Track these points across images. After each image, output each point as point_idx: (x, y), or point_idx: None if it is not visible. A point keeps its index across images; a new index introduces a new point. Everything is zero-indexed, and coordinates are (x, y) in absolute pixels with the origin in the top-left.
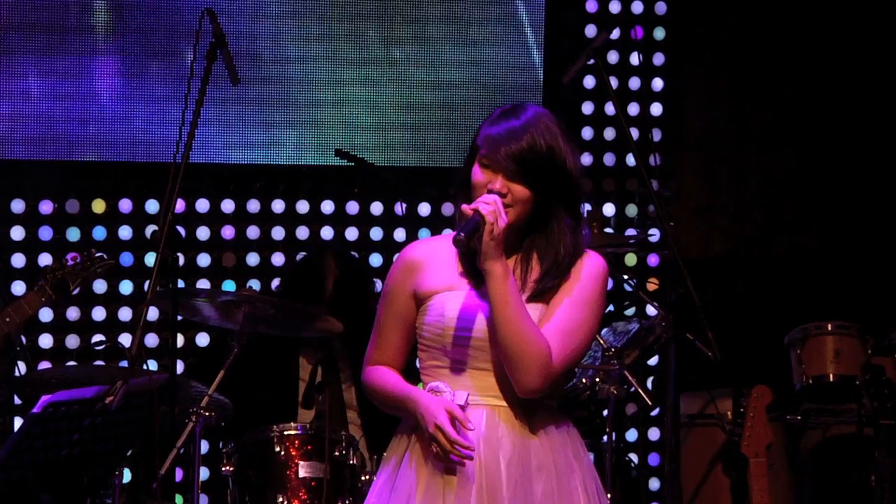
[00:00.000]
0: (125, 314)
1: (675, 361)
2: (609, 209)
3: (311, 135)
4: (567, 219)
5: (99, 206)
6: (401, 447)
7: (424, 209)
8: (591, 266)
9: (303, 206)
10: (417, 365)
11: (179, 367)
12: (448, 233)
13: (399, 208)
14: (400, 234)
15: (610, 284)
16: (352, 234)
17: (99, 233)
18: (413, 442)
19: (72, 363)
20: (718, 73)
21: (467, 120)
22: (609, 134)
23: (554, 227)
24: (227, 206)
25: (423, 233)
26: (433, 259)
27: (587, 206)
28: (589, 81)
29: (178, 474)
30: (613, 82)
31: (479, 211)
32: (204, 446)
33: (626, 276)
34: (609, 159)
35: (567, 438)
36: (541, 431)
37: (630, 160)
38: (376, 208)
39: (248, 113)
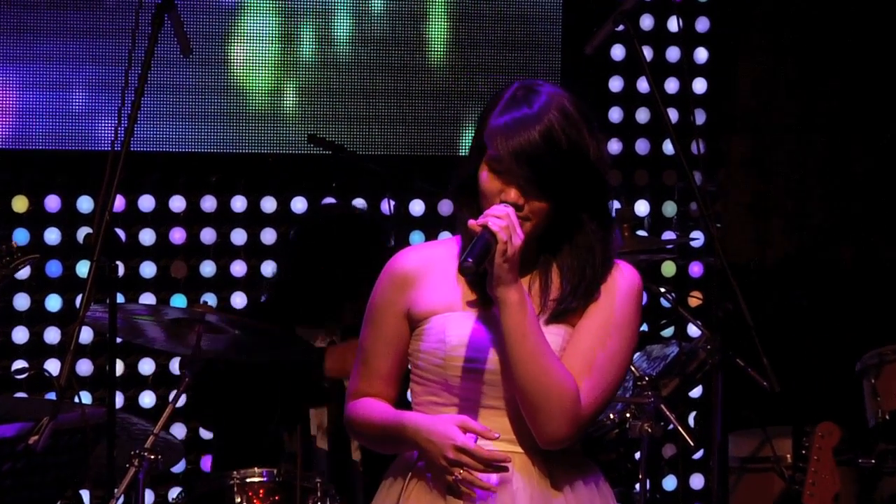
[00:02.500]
0: (52, 335)
1: (723, 393)
2: (642, 207)
3: (279, 121)
4: (594, 226)
5: (20, 203)
6: (390, 497)
7: (417, 207)
8: (623, 282)
9: (269, 204)
10: (409, 398)
11: (119, 399)
12: (446, 236)
13: (386, 206)
14: None
15: (644, 300)
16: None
17: (20, 236)
18: (410, 486)
19: None
20: (776, 42)
21: (468, 105)
22: (642, 116)
23: (578, 238)
24: (177, 203)
25: (416, 237)
26: (430, 271)
27: (615, 205)
28: (617, 52)
29: None
30: (647, 53)
31: (489, 227)
32: (149, 496)
33: (662, 290)
34: (642, 147)
35: (596, 495)
36: (565, 487)
37: (668, 148)
38: (358, 204)
39: (202, 94)
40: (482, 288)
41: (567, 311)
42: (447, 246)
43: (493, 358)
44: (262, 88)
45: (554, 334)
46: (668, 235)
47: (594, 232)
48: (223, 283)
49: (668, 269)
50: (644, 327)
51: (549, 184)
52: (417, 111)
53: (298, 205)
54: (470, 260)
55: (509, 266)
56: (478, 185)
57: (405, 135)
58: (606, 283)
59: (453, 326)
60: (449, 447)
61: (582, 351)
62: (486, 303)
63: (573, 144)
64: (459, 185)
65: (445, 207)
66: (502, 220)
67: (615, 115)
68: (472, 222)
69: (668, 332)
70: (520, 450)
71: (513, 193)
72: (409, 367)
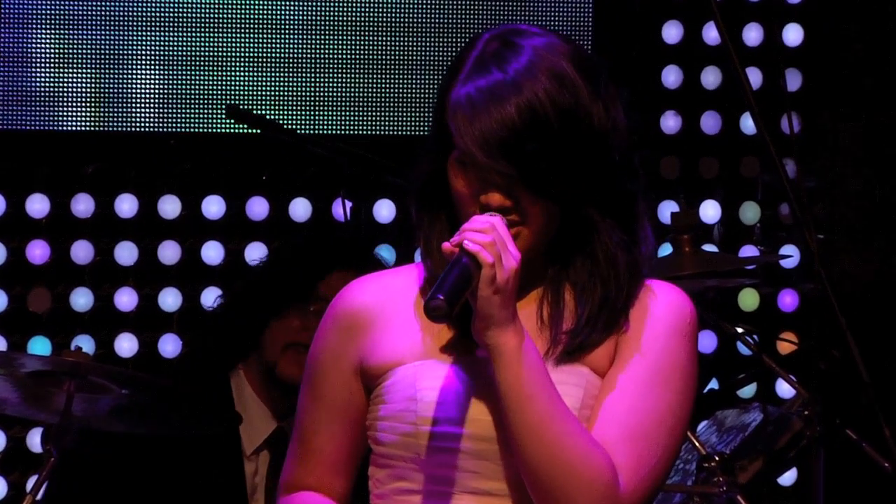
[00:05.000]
0: None
1: (826, 478)
2: (710, 211)
3: (186, 91)
4: (610, 227)
5: None
6: None
7: (384, 211)
8: (667, 308)
9: (169, 205)
10: (370, 489)
11: None
12: (417, 262)
13: (340, 208)
14: None
15: (711, 344)
16: (256, 252)
17: None
18: None
19: None
20: None
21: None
22: (710, 79)
23: (596, 245)
24: (37, 206)
25: (383, 252)
26: (389, 308)
27: (671, 206)
28: None
29: None
30: None
31: (466, 250)
32: None
33: (740, 330)
34: (710, 123)
35: None
36: None
37: (747, 125)
38: (300, 209)
39: (62, 63)
40: (464, 326)
41: (586, 345)
42: (409, 274)
43: (486, 420)
44: (162, 49)
45: (572, 382)
46: (748, 251)
47: (611, 234)
48: (104, 319)
49: (749, 299)
50: (713, 384)
51: (540, 179)
52: (385, 80)
53: (212, 207)
54: (440, 297)
55: (501, 299)
56: (447, 187)
57: (367, 110)
58: (640, 308)
59: (426, 378)
60: None
61: (616, 412)
62: (469, 345)
63: (568, 117)
64: (420, 189)
65: None
66: (486, 235)
67: (671, 76)
68: (445, 244)
69: (747, 391)
70: None
71: (496, 196)
72: (369, 443)
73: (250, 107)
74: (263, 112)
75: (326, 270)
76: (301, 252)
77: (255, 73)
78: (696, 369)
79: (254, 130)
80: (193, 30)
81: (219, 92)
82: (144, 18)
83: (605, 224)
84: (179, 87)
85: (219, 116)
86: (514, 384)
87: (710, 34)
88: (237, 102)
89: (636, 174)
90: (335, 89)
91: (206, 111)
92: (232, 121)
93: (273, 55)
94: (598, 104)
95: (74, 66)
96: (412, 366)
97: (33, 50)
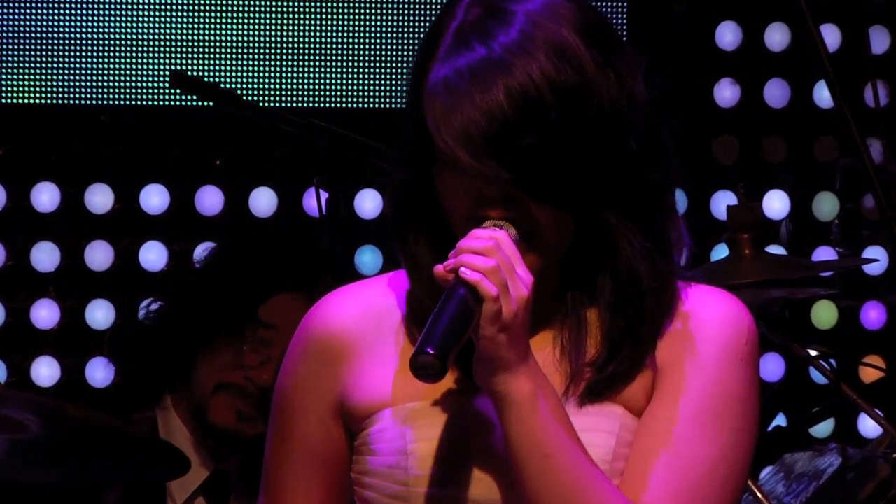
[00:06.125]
0: None
1: None
2: (777, 203)
3: (122, 57)
4: (634, 232)
5: None
6: None
7: (368, 204)
8: (719, 325)
9: (99, 197)
10: None
11: None
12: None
13: (314, 200)
14: None
15: (777, 371)
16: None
17: None
18: None
19: None
20: None
21: None
22: (776, 39)
23: (619, 256)
24: None
25: (366, 257)
26: (375, 330)
27: (727, 198)
28: None
29: None
30: None
31: (463, 279)
32: None
33: (813, 353)
34: (776, 94)
35: None
36: None
37: (821, 96)
38: (263, 202)
39: None
40: (466, 360)
41: (617, 378)
42: (399, 286)
43: (491, 480)
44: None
45: (600, 428)
46: (824, 254)
47: (631, 241)
48: (18, 339)
49: (824, 314)
50: (779, 421)
51: (540, 181)
52: (372, 36)
53: (153, 199)
54: (429, 351)
55: (509, 338)
56: (433, 194)
57: (348, 77)
58: (683, 325)
59: (420, 426)
60: None
61: (656, 464)
62: (469, 385)
63: (571, 101)
64: (403, 194)
65: None
66: (488, 258)
67: (727, 36)
68: (437, 269)
69: (822, 428)
70: None
71: (495, 208)
72: (355, 500)
73: (200, 74)
74: (217, 80)
75: (268, 292)
76: (237, 264)
77: (208, 31)
78: (758, 403)
79: (205, 103)
80: None
81: (162, 56)
82: None
83: (625, 228)
84: (112, 48)
85: (162, 86)
86: (527, 440)
87: None
88: (184, 68)
89: (661, 160)
90: (308, 51)
91: (145, 80)
92: (178, 91)
93: (230, 6)
94: (608, 79)
95: None
96: (403, 409)
97: None
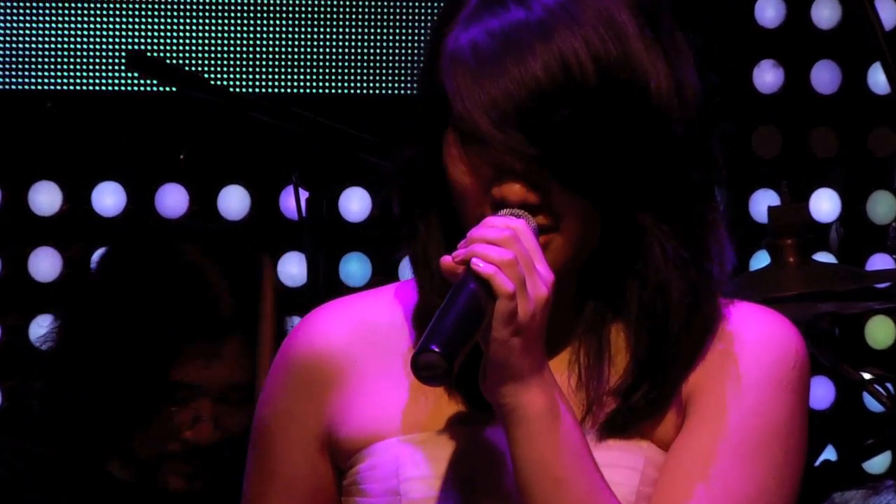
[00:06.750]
0: None
1: None
2: (826, 204)
3: (75, 32)
4: (669, 238)
5: None
6: None
7: (356, 204)
8: (762, 347)
9: (45, 196)
10: None
11: None
12: (404, 279)
13: (292, 201)
14: (296, 271)
15: (827, 397)
16: None
17: None
18: None
19: None
20: None
21: None
22: (824, 15)
23: (650, 266)
24: None
25: (352, 265)
26: (365, 352)
27: (768, 198)
28: None
29: None
30: None
31: (475, 271)
32: None
33: (868, 376)
34: (824, 78)
35: None
36: None
37: (876, 81)
38: (233, 202)
39: None
40: (470, 383)
41: (642, 408)
42: (392, 302)
43: None
44: None
45: (623, 464)
46: (879, 262)
47: (665, 247)
48: None
49: (881, 332)
50: (829, 454)
51: (575, 164)
52: (360, 13)
53: (107, 199)
54: (434, 348)
55: (524, 342)
56: (444, 177)
57: (332, 60)
58: (720, 347)
59: (413, 464)
60: None
61: (687, 503)
62: (476, 414)
63: (615, 78)
64: (408, 180)
65: None
66: (504, 249)
67: (768, 12)
68: (445, 260)
69: (877, 462)
70: None
71: (515, 188)
72: None
73: (162, 54)
74: (181, 62)
75: (173, 355)
76: (124, 325)
77: (170, 4)
78: (805, 435)
79: (167, 88)
80: None
81: (116, 34)
82: None
83: (660, 232)
84: (60, 23)
85: (117, 68)
86: (537, 462)
87: None
88: (143, 48)
89: (707, 160)
90: (286, 28)
91: (98, 61)
92: (135, 74)
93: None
94: (657, 62)
95: None
96: (395, 443)
97: None
